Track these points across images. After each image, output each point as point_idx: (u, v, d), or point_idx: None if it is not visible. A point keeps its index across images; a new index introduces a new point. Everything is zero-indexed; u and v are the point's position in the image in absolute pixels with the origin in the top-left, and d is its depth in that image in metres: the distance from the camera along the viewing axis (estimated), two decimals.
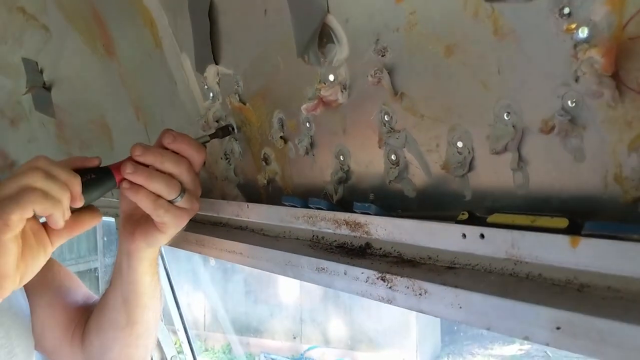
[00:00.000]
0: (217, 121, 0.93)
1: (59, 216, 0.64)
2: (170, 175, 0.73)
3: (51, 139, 1.48)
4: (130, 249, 0.81)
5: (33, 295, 0.94)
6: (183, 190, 0.74)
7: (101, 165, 0.74)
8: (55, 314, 0.96)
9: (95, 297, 1.02)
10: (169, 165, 0.73)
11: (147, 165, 0.72)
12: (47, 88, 1.38)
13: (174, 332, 1.39)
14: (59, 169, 0.65)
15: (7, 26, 1.37)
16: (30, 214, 0.62)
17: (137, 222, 0.80)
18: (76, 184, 0.66)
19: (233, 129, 0.87)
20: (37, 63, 1.38)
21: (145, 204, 0.73)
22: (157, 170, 0.72)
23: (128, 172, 0.71)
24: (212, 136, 0.83)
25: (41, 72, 1.38)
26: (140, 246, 0.80)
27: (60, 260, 1.92)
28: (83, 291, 1.03)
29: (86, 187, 0.68)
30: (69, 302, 0.99)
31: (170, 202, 0.73)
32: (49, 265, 0.78)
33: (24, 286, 0.87)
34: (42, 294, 0.95)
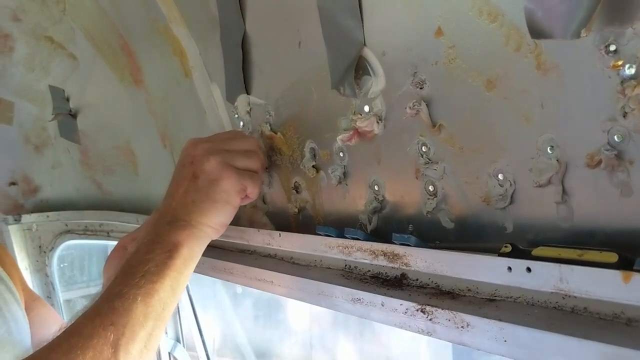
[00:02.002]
0: None
1: (259, 193, 0.79)
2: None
3: (75, 165, 1.50)
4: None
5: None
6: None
7: None
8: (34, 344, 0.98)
9: None
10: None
11: None
12: (73, 115, 1.40)
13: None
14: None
15: (35, 54, 1.39)
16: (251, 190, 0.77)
17: None
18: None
19: None
20: (63, 90, 1.40)
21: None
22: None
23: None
24: None
25: (67, 99, 1.41)
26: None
27: (72, 282, 1.93)
28: (58, 323, 1.05)
29: None
30: (44, 334, 0.99)
31: None
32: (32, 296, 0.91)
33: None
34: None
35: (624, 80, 0.45)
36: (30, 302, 1.02)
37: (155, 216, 0.82)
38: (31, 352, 0.87)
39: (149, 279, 0.68)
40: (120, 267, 0.71)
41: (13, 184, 1.61)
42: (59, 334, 0.65)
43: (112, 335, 0.63)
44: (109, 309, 0.65)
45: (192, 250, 0.73)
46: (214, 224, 0.75)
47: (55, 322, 1.06)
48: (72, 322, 0.67)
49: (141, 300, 0.66)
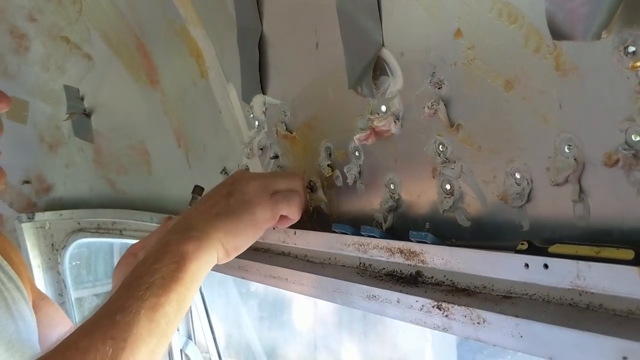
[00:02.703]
0: (261, 149, 0.95)
1: (299, 214, 0.77)
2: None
3: (89, 164, 1.52)
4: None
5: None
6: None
7: None
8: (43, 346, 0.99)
9: None
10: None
11: None
12: (88, 114, 1.42)
13: None
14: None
15: (51, 54, 1.41)
16: (288, 212, 0.76)
17: None
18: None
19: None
20: (78, 90, 1.42)
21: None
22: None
23: None
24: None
25: (82, 99, 1.42)
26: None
27: (79, 282, 1.95)
28: (67, 325, 1.06)
29: None
30: (53, 335, 1.00)
31: None
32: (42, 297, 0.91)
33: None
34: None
35: None
36: (38, 301, 1.03)
37: (170, 223, 0.81)
38: (38, 351, 0.89)
39: (154, 292, 0.64)
40: (126, 276, 0.67)
41: (27, 182, 1.62)
42: (62, 338, 0.62)
43: (111, 350, 0.59)
44: (109, 323, 0.61)
45: (199, 266, 0.69)
46: (227, 243, 0.72)
47: (62, 322, 1.07)
48: (71, 333, 0.63)
49: (145, 314, 0.62)
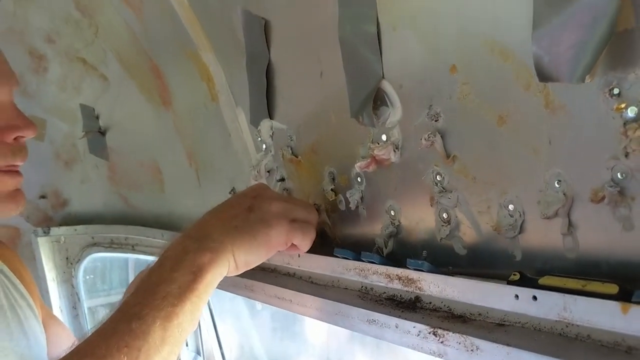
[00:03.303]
0: (268, 171, 0.98)
1: (308, 247, 0.79)
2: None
3: (103, 180, 1.56)
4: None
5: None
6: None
7: None
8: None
9: None
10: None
11: None
12: (102, 133, 1.46)
13: None
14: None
15: (68, 75, 1.46)
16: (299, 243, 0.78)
17: None
18: None
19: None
20: (94, 109, 1.46)
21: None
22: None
23: None
24: None
25: (97, 117, 1.46)
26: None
27: (93, 291, 1.98)
28: (70, 341, 1.08)
29: None
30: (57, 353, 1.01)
31: None
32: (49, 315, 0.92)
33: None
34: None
35: (627, 122, 0.48)
36: (47, 319, 1.05)
37: (187, 228, 0.81)
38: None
39: (170, 301, 0.65)
40: (143, 279, 0.69)
41: (43, 197, 1.67)
42: (71, 349, 0.64)
43: (126, 357, 0.61)
44: (125, 330, 0.62)
45: (213, 277, 0.70)
46: (239, 257, 0.73)
47: (68, 340, 1.10)
48: (85, 338, 0.65)
49: (160, 324, 0.63)
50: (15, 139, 0.83)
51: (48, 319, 1.07)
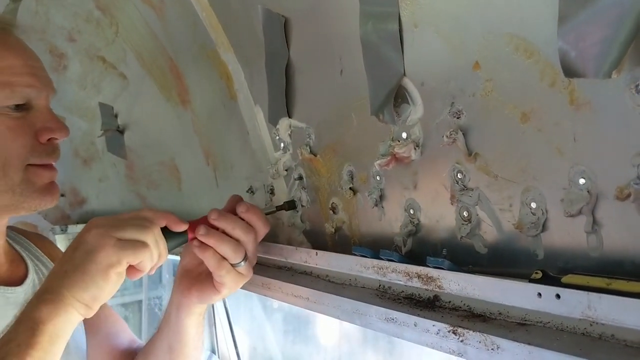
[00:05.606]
0: (286, 170, 0.98)
1: (150, 266, 0.75)
2: (237, 242, 0.81)
3: (121, 179, 1.57)
4: (182, 302, 0.88)
5: (87, 334, 1.00)
6: (245, 257, 0.82)
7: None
8: (103, 354, 1.02)
9: (138, 341, 1.08)
10: (239, 233, 0.82)
11: (217, 228, 0.81)
12: (121, 131, 1.47)
13: None
14: (161, 235, 0.77)
15: (88, 73, 1.47)
16: (136, 262, 0.73)
17: (194, 279, 0.88)
18: (166, 248, 0.78)
19: (295, 204, 0.96)
20: (112, 108, 1.47)
21: (211, 263, 0.81)
22: (227, 235, 0.81)
23: (201, 233, 0.80)
24: (279, 208, 0.93)
25: (116, 116, 1.47)
26: (192, 301, 0.87)
27: None
28: (128, 335, 1.09)
29: (166, 239, 0.78)
30: (115, 344, 1.04)
31: (233, 265, 0.82)
32: (103, 307, 0.86)
33: (85, 324, 0.94)
34: (94, 334, 1.01)
35: None
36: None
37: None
38: (85, 355, 0.93)
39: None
40: None
41: (61, 195, 1.68)
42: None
43: None
44: None
45: (57, 327, 0.68)
46: (82, 298, 0.70)
47: (123, 332, 1.09)
48: None
49: None
50: (49, 140, 0.86)
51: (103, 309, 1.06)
